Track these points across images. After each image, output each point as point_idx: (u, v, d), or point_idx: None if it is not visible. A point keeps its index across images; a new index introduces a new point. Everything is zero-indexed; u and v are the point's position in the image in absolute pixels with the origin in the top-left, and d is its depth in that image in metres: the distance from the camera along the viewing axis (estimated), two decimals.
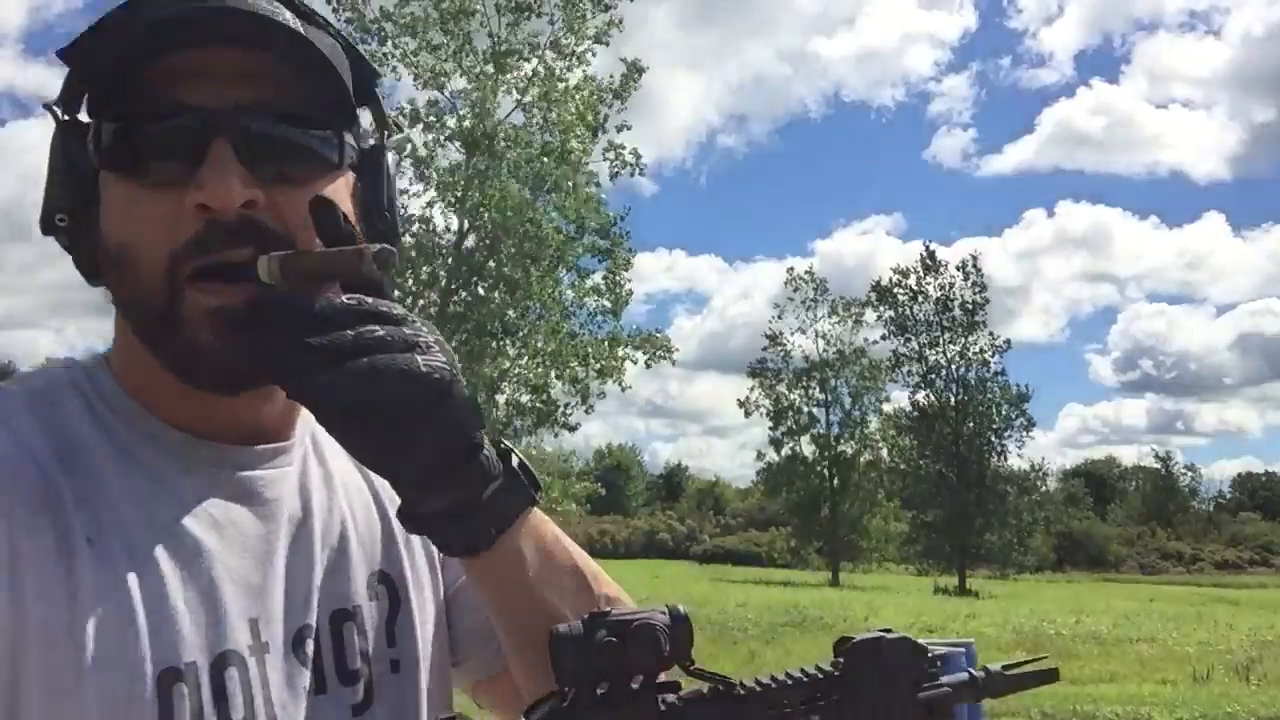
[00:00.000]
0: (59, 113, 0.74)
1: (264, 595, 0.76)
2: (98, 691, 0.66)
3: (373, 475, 0.85)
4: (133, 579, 0.69)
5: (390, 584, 0.85)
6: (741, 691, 0.67)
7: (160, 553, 0.71)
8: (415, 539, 0.88)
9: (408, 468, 0.67)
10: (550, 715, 0.64)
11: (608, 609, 0.65)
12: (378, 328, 0.65)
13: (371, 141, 0.81)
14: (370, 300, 0.67)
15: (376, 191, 0.81)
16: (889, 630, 0.73)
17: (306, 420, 0.83)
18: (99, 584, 0.68)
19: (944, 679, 0.72)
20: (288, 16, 0.72)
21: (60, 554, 0.67)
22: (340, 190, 0.77)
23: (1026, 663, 0.75)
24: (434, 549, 0.87)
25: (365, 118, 0.84)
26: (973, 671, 0.73)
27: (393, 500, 0.82)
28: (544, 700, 0.65)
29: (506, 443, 0.74)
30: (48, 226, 0.76)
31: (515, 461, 0.74)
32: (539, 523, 0.77)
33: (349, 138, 0.78)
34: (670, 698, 0.66)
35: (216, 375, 0.72)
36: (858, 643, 0.72)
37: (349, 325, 0.65)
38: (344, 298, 0.67)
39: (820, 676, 0.70)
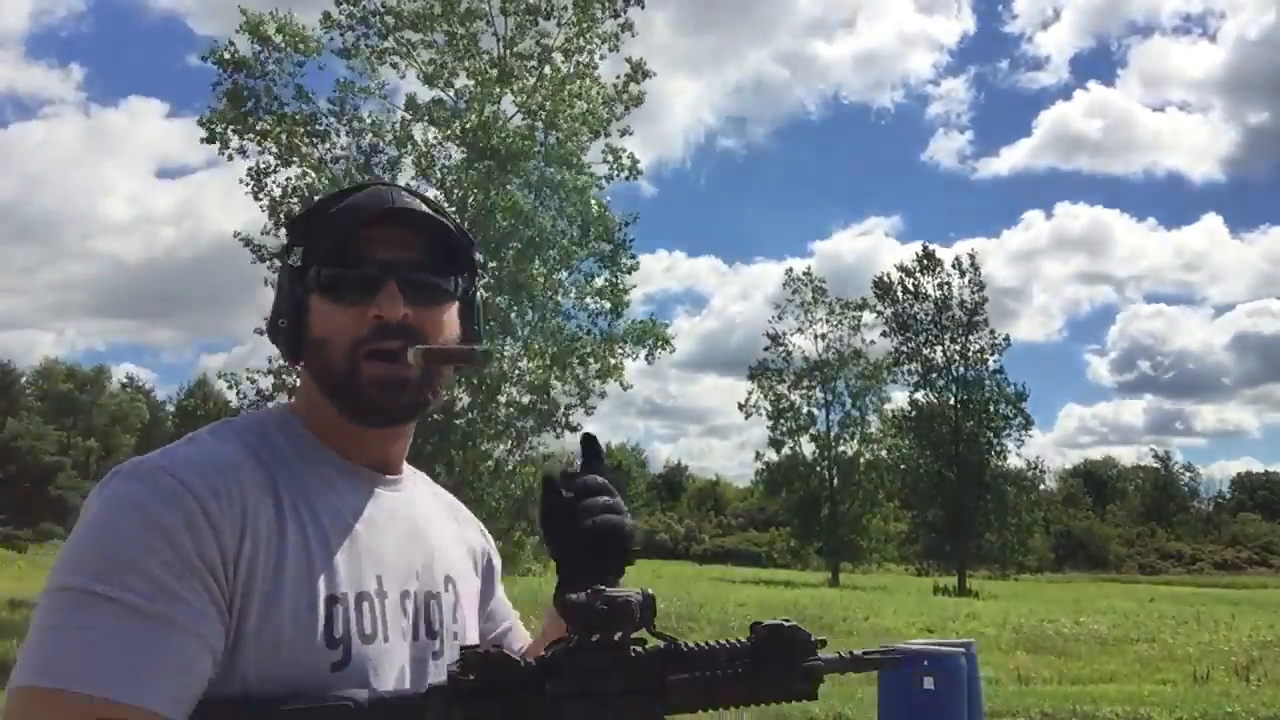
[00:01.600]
0: (285, 259, 1.17)
1: (384, 564, 1.14)
2: (291, 602, 1.02)
3: (461, 524, 1.36)
4: (315, 536, 1.08)
5: (454, 587, 1.25)
6: (685, 649, 1.08)
7: (331, 525, 1.10)
8: (475, 575, 1.34)
9: (597, 575, 1.08)
10: (562, 651, 1.02)
11: (603, 588, 1.02)
12: (608, 498, 1.15)
13: (466, 284, 1.25)
14: (601, 480, 1.16)
15: (472, 313, 1.26)
16: (788, 620, 1.10)
17: (411, 474, 1.29)
18: (296, 536, 1.06)
19: (822, 655, 1.11)
20: (427, 209, 1.17)
21: (276, 515, 1.05)
22: (453, 311, 1.21)
23: (881, 651, 1.18)
24: (478, 593, 1.34)
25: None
26: (840, 653, 1.13)
27: (473, 543, 1.37)
28: (555, 643, 1.03)
29: None
30: (274, 328, 1.18)
31: None
32: None
33: (460, 280, 1.23)
34: (638, 648, 1.04)
35: (378, 417, 1.16)
36: (767, 625, 1.09)
37: (599, 494, 1.15)
38: (591, 478, 1.16)
39: (740, 646, 1.09)
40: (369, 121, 18.87)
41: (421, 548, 1.20)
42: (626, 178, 19.88)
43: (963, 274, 47.35)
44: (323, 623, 1.04)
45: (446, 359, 1.16)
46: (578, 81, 19.36)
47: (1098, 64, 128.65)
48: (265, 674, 1.00)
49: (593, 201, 18.63)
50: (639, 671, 1.04)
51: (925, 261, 48.05)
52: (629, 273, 19.42)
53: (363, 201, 1.15)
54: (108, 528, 0.97)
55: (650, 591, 1.03)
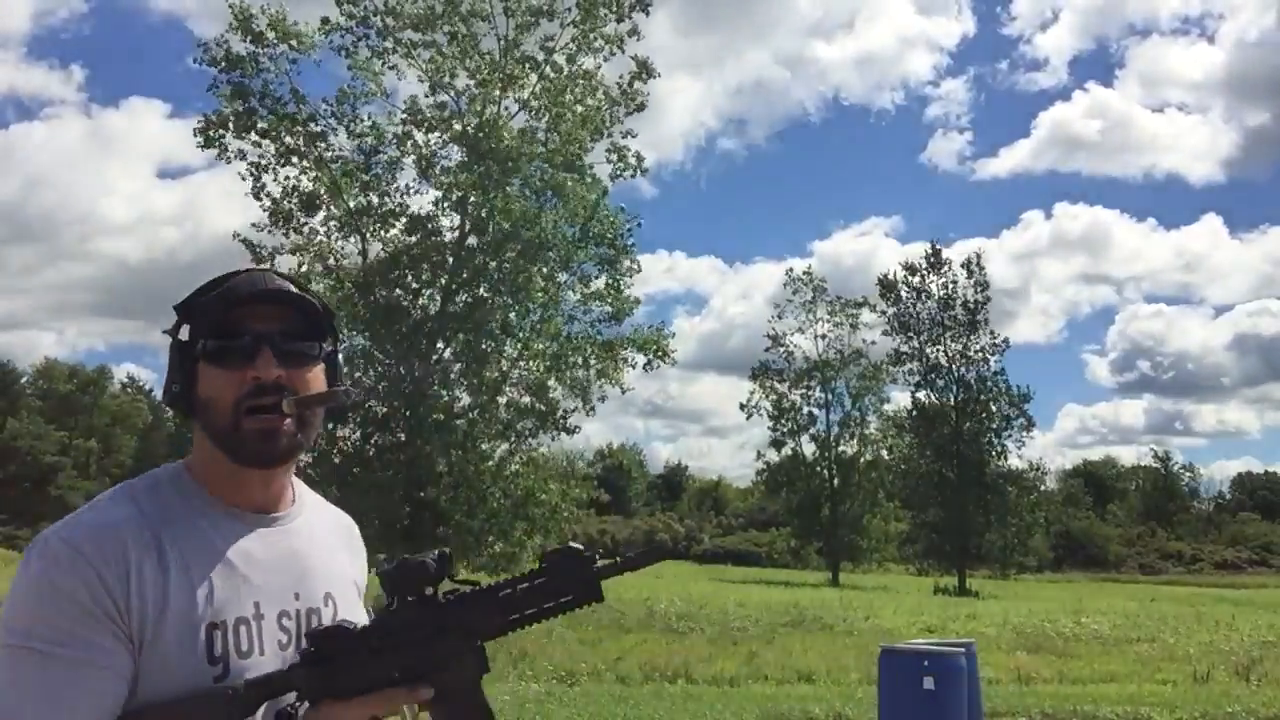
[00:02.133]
0: (175, 335, 1.39)
1: (261, 591, 1.38)
2: (175, 634, 1.28)
3: (354, 553, 1.59)
4: (197, 576, 1.32)
5: (334, 602, 1.48)
6: (485, 586, 1.32)
7: (211, 564, 1.34)
8: (359, 596, 1.57)
9: None
10: (382, 612, 1.32)
11: (407, 556, 1.31)
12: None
13: (329, 348, 1.46)
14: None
15: (335, 372, 1.46)
16: (575, 544, 1.37)
17: (301, 507, 1.50)
18: (179, 580, 1.30)
19: (600, 563, 1.35)
20: (294, 289, 1.40)
21: (159, 564, 1.30)
22: (319, 370, 1.43)
23: (647, 547, 1.47)
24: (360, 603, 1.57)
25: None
26: (615, 559, 1.37)
27: (361, 568, 1.61)
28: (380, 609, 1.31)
29: None
30: (169, 393, 1.40)
31: None
32: None
33: (325, 345, 1.44)
34: (445, 594, 1.32)
35: (256, 460, 1.37)
36: (552, 549, 1.34)
37: None
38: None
39: (533, 571, 1.33)
40: (369, 124, 18.86)
41: (301, 572, 1.44)
42: (632, 175, 19.93)
43: (970, 274, 47.21)
44: (203, 646, 1.30)
45: (316, 403, 1.38)
46: (579, 82, 19.37)
47: (1096, 65, 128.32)
48: (160, 690, 1.27)
49: (603, 206, 18.66)
50: (447, 612, 1.30)
51: (932, 260, 47.85)
52: (629, 275, 19.43)
53: (240, 284, 1.39)
54: (26, 598, 1.26)
55: (445, 550, 1.32)
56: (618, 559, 1.37)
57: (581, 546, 1.35)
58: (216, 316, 1.36)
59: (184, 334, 1.39)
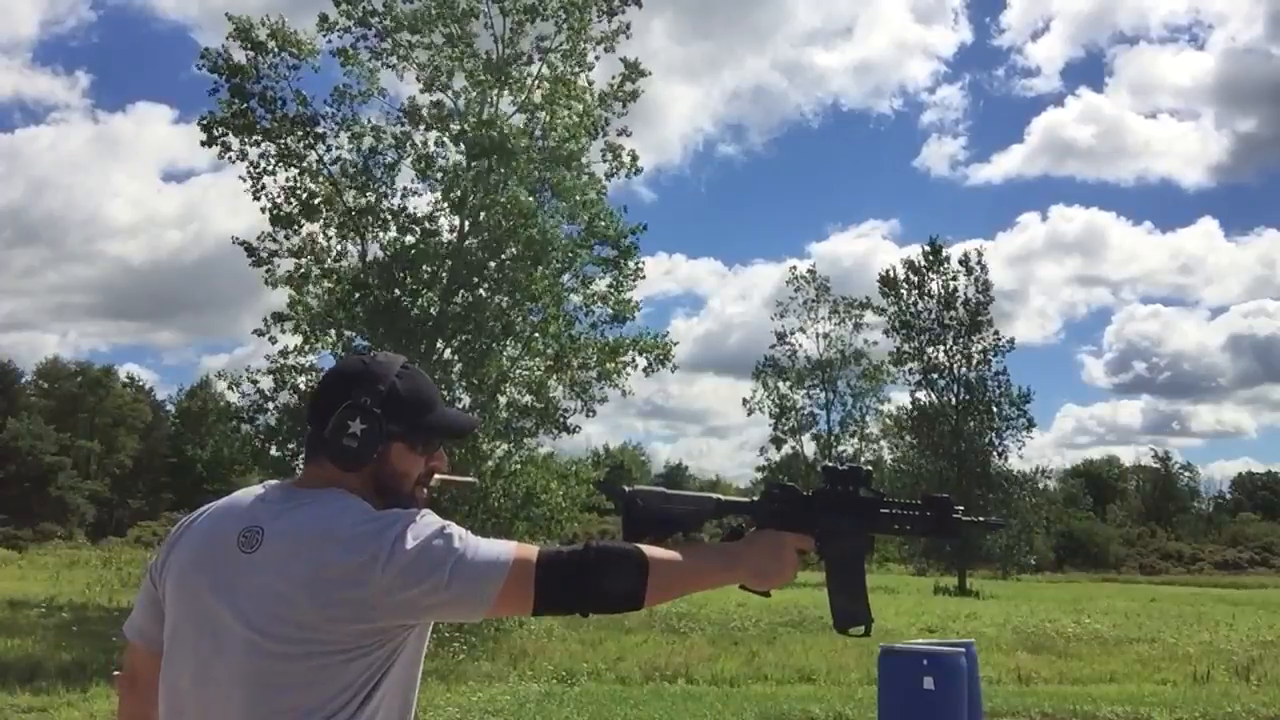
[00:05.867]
0: (379, 414, 1.74)
1: None
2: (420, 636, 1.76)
3: None
4: None
5: None
6: (886, 499, 1.82)
7: None
8: None
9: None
10: (820, 490, 1.81)
11: (856, 464, 1.87)
12: None
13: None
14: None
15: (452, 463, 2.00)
16: (945, 495, 1.86)
17: None
18: None
19: (961, 516, 1.81)
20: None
21: None
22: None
23: (995, 518, 2.13)
24: None
25: None
26: (975, 518, 1.93)
27: None
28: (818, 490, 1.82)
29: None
30: (356, 451, 1.73)
31: None
32: None
33: None
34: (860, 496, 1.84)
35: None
36: (927, 494, 1.85)
37: None
38: None
39: (915, 504, 1.82)
40: (368, 125, 18.85)
41: None
42: (627, 175, 19.92)
43: (969, 271, 47.04)
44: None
45: (453, 485, 2.03)
46: (572, 80, 19.34)
47: (1088, 72, 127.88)
48: None
49: (604, 203, 18.63)
50: (855, 503, 1.81)
51: (932, 258, 47.64)
52: (632, 278, 19.37)
53: (462, 420, 1.95)
54: (433, 518, 1.71)
55: (869, 468, 1.83)
56: (975, 518, 1.90)
57: (951, 496, 1.82)
58: (441, 431, 1.86)
59: (375, 406, 1.76)
